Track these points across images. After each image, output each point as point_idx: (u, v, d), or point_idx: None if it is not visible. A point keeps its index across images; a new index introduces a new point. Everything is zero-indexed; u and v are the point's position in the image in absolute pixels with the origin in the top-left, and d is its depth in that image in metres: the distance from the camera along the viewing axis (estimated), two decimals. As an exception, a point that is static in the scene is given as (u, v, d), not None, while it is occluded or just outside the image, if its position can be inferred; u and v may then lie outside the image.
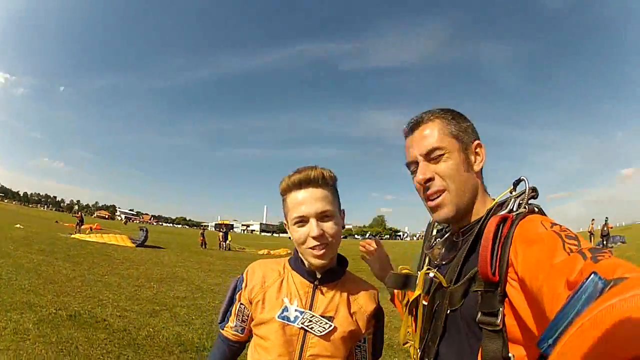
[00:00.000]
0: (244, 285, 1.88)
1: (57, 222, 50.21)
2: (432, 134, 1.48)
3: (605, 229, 31.37)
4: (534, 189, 1.37)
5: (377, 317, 1.90)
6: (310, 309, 1.77)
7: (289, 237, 1.83)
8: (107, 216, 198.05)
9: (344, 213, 1.88)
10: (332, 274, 1.84)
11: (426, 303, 1.47)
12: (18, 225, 29.26)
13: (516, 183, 1.43)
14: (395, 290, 1.79)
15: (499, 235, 1.18)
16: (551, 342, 0.63)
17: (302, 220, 1.71)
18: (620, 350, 0.38)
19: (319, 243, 1.68)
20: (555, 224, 1.12)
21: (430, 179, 1.45)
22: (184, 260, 21.79)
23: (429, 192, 1.46)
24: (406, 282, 1.65)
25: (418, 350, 1.51)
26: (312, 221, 1.68)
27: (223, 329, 1.95)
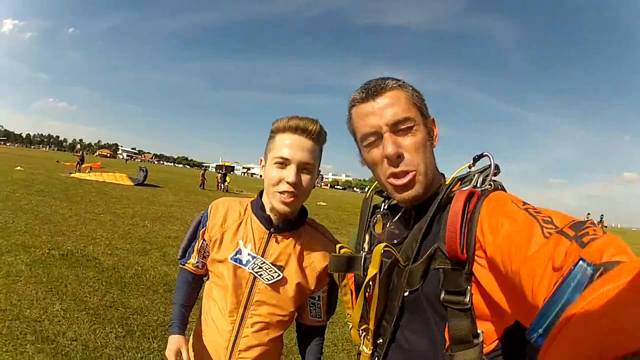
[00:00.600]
0: (207, 222, 1.94)
1: (57, 161, 50.27)
2: (399, 102, 1.35)
3: (599, 226, 31.74)
4: (497, 166, 1.30)
5: (330, 275, 1.92)
6: (262, 256, 1.84)
7: (260, 176, 1.93)
8: (108, 155, 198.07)
9: (320, 175, 1.96)
10: (289, 224, 1.88)
11: (371, 283, 1.39)
12: (18, 168, 29.32)
13: (476, 159, 1.37)
14: (335, 274, 1.65)
15: (466, 211, 1.15)
16: (541, 332, 0.63)
17: (283, 163, 1.74)
18: (615, 340, 0.38)
19: (291, 190, 1.73)
20: (527, 203, 1.10)
21: (400, 155, 1.32)
22: (180, 200, 22.17)
23: (397, 169, 1.33)
24: (350, 263, 1.54)
25: (362, 332, 1.46)
26: (293, 167, 1.72)
27: (184, 265, 2.06)
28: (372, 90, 1.38)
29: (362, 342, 1.49)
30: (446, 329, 1.17)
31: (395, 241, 1.41)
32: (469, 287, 1.13)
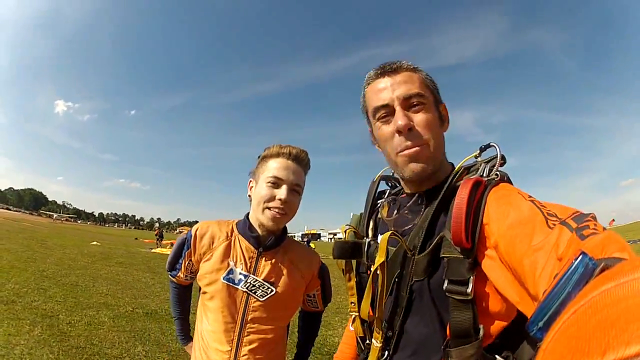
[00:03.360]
0: (192, 246, 2.09)
1: (136, 239, 52.55)
2: (413, 80, 1.41)
3: None
4: (503, 157, 1.32)
5: (320, 276, 2.23)
6: (253, 274, 2.00)
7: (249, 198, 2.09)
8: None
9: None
10: (276, 241, 2.07)
11: (379, 272, 1.40)
12: (94, 243, 30.72)
13: (483, 149, 1.39)
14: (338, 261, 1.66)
15: (472, 199, 1.16)
16: (542, 326, 0.64)
17: (276, 183, 1.94)
18: (616, 338, 0.37)
19: (282, 207, 1.93)
20: (532, 197, 1.12)
21: (411, 128, 1.35)
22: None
23: (409, 142, 1.36)
24: (354, 250, 1.58)
25: (377, 330, 1.42)
26: (285, 187, 1.93)
27: (174, 277, 2.27)
28: (387, 68, 1.45)
29: (367, 334, 1.53)
30: (448, 323, 1.18)
31: (407, 227, 1.44)
32: (471, 277, 1.13)
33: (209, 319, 2.00)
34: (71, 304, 8.51)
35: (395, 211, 1.54)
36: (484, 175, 1.29)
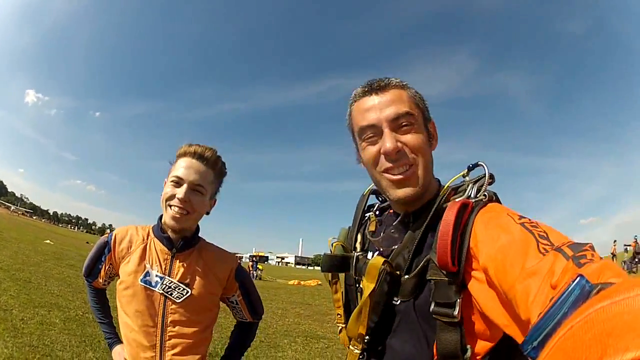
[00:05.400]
0: (112, 249, 2.18)
1: (87, 242, 51.38)
2: (402, 99, 1.40)
3: (637, 245, 31.31)
4: (491, 176, 1.33)
5: (238, 279, 2.31)
6: (169, 276, 2.09)
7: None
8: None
9: (215, 201, 2.30)
10: (188, 242, 2.17)
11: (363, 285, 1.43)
12: (48, 241, 30.30)
13: (471, 168, 1.40)
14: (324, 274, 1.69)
15: (459, 222, 1.16)
16: (536, 345, 0.67)
17: (178, 182, 2.04)
18: (612, 352, 0.39)
19: (180, 206, 2.02)
20: (523, 217, 1.12)
21: (400, 150, 1.35)
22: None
23: (397, 163, 1.36)
24: (342, 264, 1.59)
25: (358, 342, 1.44)
26: (185, 186, 2.02)
27: (92, 282, 2.37)
28: (375, 86, 1.44)
29: (350, 342, 1.52)
30: (435, 342, 1.20)
31: (394, 247, 1.43)
32: (458, 300, 1.14)
33: (130, 324, 2.07)
34: (24, 300, 8.72)
35: (382, 232, 1.55)
36: (472, 195, 1.31)
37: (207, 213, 2.24)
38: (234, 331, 2.55)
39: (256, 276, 36.94)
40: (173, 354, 2.05)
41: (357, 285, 1.55)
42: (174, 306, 2.06)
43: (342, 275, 1.68)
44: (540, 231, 1.01)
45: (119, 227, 2.32)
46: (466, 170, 1.41)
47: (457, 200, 1.26)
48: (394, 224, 1.50)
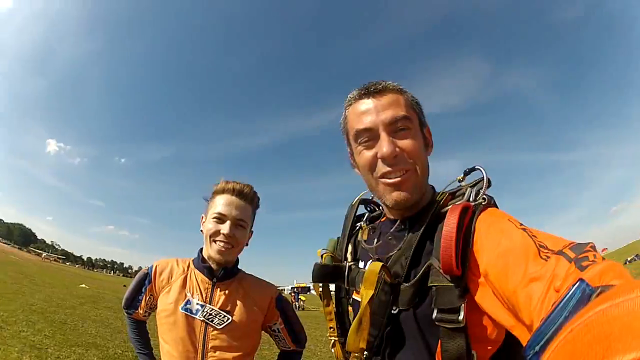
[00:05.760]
0: (153, 280, 2.27)
1: (124, 286, 51.94)
2: (399, 103, 1.39)
3: None
4: (489, 180, 1.32)
5: (279, 307, 2.36)
6: (210, 304, 2.16)
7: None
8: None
9: (251, 233, 2.37)
10: (229, 272, 2.26)
11: (356, 296, 1.46)
12: (83, 285, 30.66)
13: (467, 172, 1.40)
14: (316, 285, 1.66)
15: (461, 225, 1.14)
16: (538, 350, 0.67)
17: (221, 218, 2.15)
18: (611, 354, 0.40)
19: (226, 241, 2.13)
20: (523, 224, 1.11)
21: (397, 155, 1.32)
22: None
23: (394, 168, 1.34)
24: (334, 273, 1.57)
25: (357, 358, 1.34)
26: (228, 222, 2.14)
27: (133, 314, 2.42)
28: (371, 89, 1.42)
29: (344, 356, 1.53)
30: (438, 349, 1.16)
31: (390, 254, 1.39)
32: (462, 305, 1.11)
33: (171, 351, 2.11)
34: (60, 340, 8.48)
35: (376, 239, 1.51)
36: (471, 199, 1.29)
37: (247, 244, 2.34)
38: None
39: (299, 307, 37.96)
40: None
41: (349, 297, 1.56)
42: (215, 332, 2.11)
43: (333, 287, 1.67)
44: (540, 240, 0.99)
45: (159, 260, 2.40)
46: (462, 175, 1.40)
47: (457, 203, 1.23)
48: (390, 230, 1.47)
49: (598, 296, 0.66)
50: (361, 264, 1.52)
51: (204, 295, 2.17)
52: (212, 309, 2.13)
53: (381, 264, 1.28)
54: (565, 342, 0.48)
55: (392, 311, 1.29)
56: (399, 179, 1.32)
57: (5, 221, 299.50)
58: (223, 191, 2.23)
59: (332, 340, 1.61)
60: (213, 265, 2.22)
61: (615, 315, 0.44)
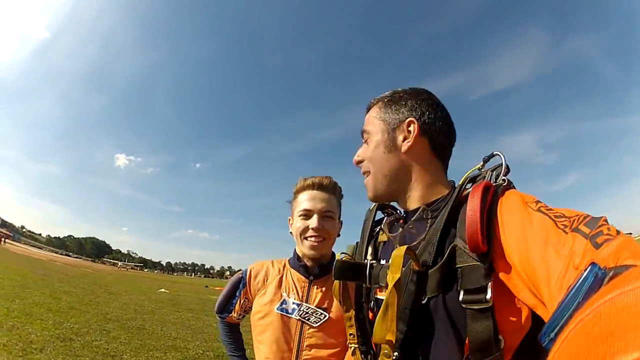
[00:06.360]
0: (248, 283, 2.33)
1: (206, 286, 53.63)
2: (366, 118, 1.58)
3: None
4: (507, 166, 1.33)
5: None
6: (306, 302, 2.17)
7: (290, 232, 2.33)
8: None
9: (341, 223, 2.35)
10: (324, 269, 2.24)
11: (379, 295, 1.46)
12: (162, 290, 31.25)
13: (486, 159, 1.40)
14: (336, 286, 1.65)
15: (485, 203, 1.14)
16: (553, 337, 0.66)
17: (307, 214, 2.17)
18: (618, 347, 0.39)
19: (316, 234, 2.14)
20: (539, 202, 1.11)
21: (360, 161, 1.54)
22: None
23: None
24: (355, 271, 1.52)
25: (386, 356, 1.29)
26: (315, 216, 2.15)
27: (226, 319, 2.46)
28: (367, 107, 1.62)
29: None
30: (467, 338, 1.13)
31: (413, 244, 1.36)
32: (489, 284, 1.07)
33: (265, 351, 2.13)
34: (136, 346, 8.44)
35: (400, 229, 1.50)
36: (492, 181, 1.27)
37: (338, 235, 2.32)
38: None
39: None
40: None
41: (370, 301, 1.53)
42: (311, 330, 2.10)
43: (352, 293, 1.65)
44: (556, 212, 1.02)
45: (254, 262, 2.45)
46: (482, 162, 1.41)
47: (478, 183, 1.21)
48: (412, 219, 1.44)
49: (610, 280, 0.66)
50: (383, 262, 1.49)
51: (300, 294, 2.20)
52: (309, 307, 2.15)
53: (406, 246, 1.25)
54: (575, 333, 0.48)
55: (422, 301, 1.24)
56: (365, 182, 1.54)
57: (75, 236, 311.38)
58: (304, 188, 2.26)
59: (352, 348, 1.58)
60: (308, 263, 2.25)
61: (623, 305, 0.44)
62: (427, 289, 1.23)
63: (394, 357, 1.26)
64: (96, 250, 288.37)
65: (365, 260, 1.55)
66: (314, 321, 2.11)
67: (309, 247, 2.15)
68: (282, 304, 2.17)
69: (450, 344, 1.19)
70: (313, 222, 2.13)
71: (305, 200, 2.20)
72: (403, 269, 1.24)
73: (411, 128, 1.45)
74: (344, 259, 1.59)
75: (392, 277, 1.23)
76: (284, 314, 2.13)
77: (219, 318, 2.51)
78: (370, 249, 1.62)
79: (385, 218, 1.69)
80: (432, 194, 1.43)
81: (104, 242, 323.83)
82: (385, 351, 1.28)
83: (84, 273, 39.61)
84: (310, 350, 2.09)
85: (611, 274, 0.67)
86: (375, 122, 1.52)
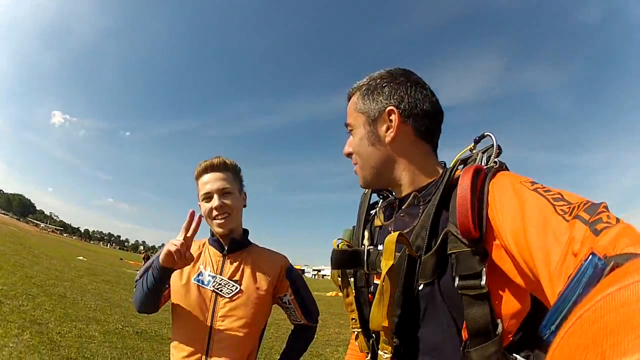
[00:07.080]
0: None
1: (121, 259, 52.65)
2: (347, 110, 1.57)
3: None
4: (499, 147, 1.33)
5: (289, 278, 2.46)
6: (220, 274, 2.33)
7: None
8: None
9: (245, 195, 2.54)
10: (237, 243, 2.43)
11: (377, 281, 1.41)
12: (81, 257, 30.99)
13: (477, 140, 1.40)
14: (334, 274, 1.66)
15: (475, 187, 1.15)
16: (554, 329, 0.66)
17: (208, 197, 2.33)
18: (615, 345, 0.38)
19: (219, 213, 2.31)
20: (536, 183, 1.10)
21: (349, 154, 1.55)
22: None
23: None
24: (353, 258, 1.54)
25: (386, 343, 1.32)
26: (215, 196, 2.31)
27: None
28: (347, 96, 1.60)
29: (370, 347, 1.51)
30: (464, 324, 1.15)
31: (406, 230, 1.36)
32: (484, 269, 1.11)
33: (181, 320, 2.28)
34: (60, 314, 8.64)
35: (393, 216, 1.53)
36: (483, 163, 1.30)
37: (244, 206, 2.53)
38: (290, 337, 2.67)
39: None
40: (220, 347, 2.21)
41: (369, 286, 1.56)
42: (224, 301, 2.26)
43: (351, 280, 1.64)
44: (554, 194, 1.00)
45: None
46: (473, 143, 1.41)
47: (469, 166, 1.22)
48: (403, 207, 1.47)
49: (611, 272, 0.64)
50: (380, 247, 1.46)
51: (215, 267, 2.35)
52: (222, 279, 2.30)
53: (398, 232, 1.25)
54: (573, 331, 0.46)
55: (417, 288, 1.28)
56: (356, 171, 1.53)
57: (5, 192, 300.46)
58: (200, 174, 2.41)
59: (355, 332, 1.62)
60: (221, 239, 2.40)
61: (622, 302, 0.42)
62: (422, 275, 1.26)
63: (395, 343, 1.30)
64: (22, 208, 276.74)
65: (362, 246, 1.56)
66: (227, 292, 2.27)
67: (217, 226, 2.32)
68: (199, 275, 2.32)
69: (448, 329, 1.23)
70: (214, 201, 2.29)
71: (203, 183, 2.36)
72: (397, 254, 1.26)
73: (392, 117, 1.43)
74: (340, 246, 1.61)
75: (385, 264, 1.23)
76: (200, 284, 2.29)
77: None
78: (366, 234, 1.62)
79: (380, 201, 1.71)
80: (422, 179, 1.44)
81: (29, 200, 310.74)
82: (384, 337, 1.30)
83: (10, 231, 39.23)
84: (223, 321, 2.23)
85: (612, 263, 0.65)
86: (355, 114, 1.51)
